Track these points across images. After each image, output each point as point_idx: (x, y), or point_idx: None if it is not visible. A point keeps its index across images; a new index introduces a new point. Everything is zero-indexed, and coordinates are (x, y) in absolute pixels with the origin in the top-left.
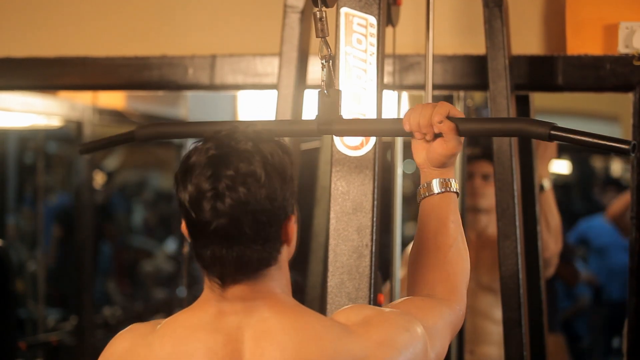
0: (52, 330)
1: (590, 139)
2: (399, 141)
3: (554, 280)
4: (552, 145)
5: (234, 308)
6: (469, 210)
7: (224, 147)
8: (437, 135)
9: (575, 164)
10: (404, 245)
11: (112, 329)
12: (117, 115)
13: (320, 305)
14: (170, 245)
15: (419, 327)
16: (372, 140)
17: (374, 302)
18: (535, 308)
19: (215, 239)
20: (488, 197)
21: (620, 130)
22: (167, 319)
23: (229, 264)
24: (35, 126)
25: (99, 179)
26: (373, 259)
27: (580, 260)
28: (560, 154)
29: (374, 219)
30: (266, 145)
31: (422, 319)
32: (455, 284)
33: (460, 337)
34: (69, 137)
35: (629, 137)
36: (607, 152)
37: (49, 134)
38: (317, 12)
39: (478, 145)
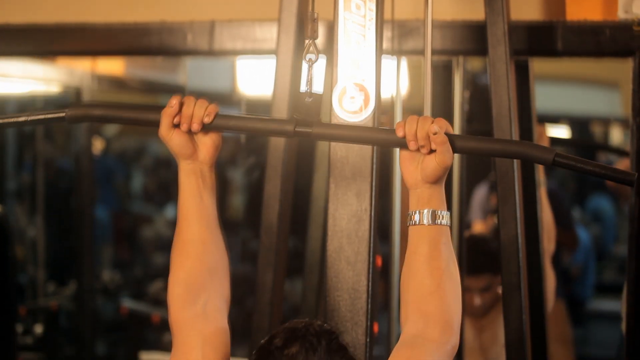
0: (51, 296)
1: (594, 168)
2: (398, 106)
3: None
4: (545, 136)
5: None
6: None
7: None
8: (431, 151)
9: (574, 129)
10: (403, 210)
11: (111, 294)
12: (116, 82)
13: (320, 270)
14: (170, 211)
15: None
16: (371, 105)
17: (373, 265)
18: (534, 272)
19: None
20: (487, 305)
21: (620, 97)
22: None
23: None
24: (34, 93)
25: (98, 145)
26: (372, 223)
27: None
28: (559, 119)
29: (373, 184)
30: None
31: None
32: (449, 319)
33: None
34: (68, 103)
35: (629, 103)
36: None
37: (48, 101)
38: (312, 13)
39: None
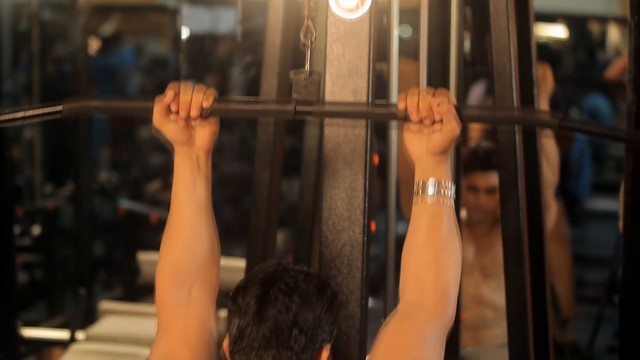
0: (49, 197)
1: (601, 130)
2: (395, 5)
3: None
4: (549, 77)
5: None
6: (468, 222)
7: (282, 267)
8: (434, 122)
9: (571, 27)
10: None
11: (109, 195)
12: None
13: (317, 168)
14: None
15: None
16: (368, 2)
17: (370, 163)
18: (531, 171)
19: (254, 343)
20: (493, 210)
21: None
22: None
23: None
24: None
25: (94, 45)
26: (369, 122)
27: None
28: (556, 19)
29: (370, 81)
30: (321, 280)
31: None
32: (445, 289)
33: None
34: (63, 4)
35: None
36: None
37: (44, 1)
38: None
39: (477, 154)
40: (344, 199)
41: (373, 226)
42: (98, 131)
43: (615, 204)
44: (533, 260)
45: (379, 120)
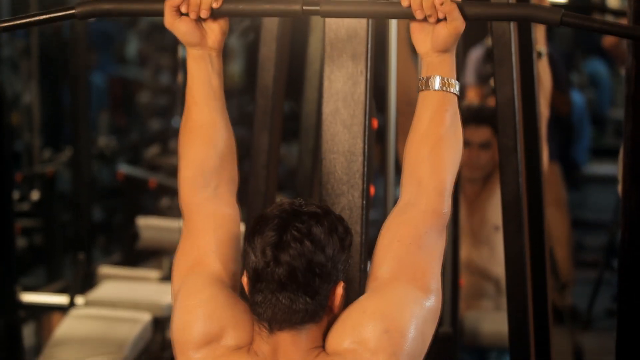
0: (47, 162)
1: (601, 26)
2: None
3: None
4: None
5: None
6: (462, 180)
7: (295, 206)
8: (438, 20)
9: None
10: (399, 74)
11: (107, 160)
12: None
13: (315, 133)
14: (165, 77)
15: (401, 291)
16: None
17: (369, 128)
18: (530, 135)
19: (271, 285)
20: (485, 167)
21: None
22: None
23: (278, 309)
24: None
25: None
26: (368, 86)
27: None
28: None
29: (369, 46)
30: (334, 215)
31: (411, 275)
32: (440, 186)
33: (455, 296)
34: None
35: None
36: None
37: None
38: None
39: (471, 109)
40: (342, 163)
41: (372, 190)
42: (97, 96)
43: (614, 169)
44: (532, 225)
45: (387, 18)
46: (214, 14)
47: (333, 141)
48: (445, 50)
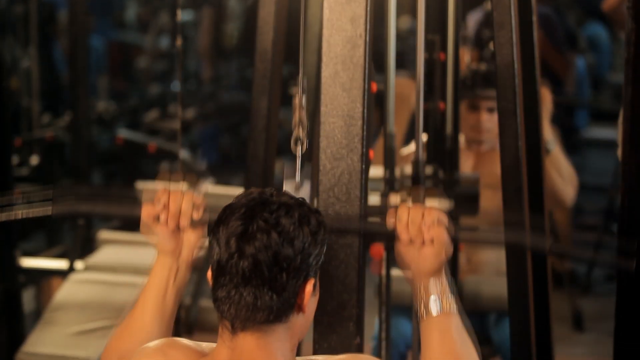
0: (46, 127)
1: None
2: None
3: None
4: (548, 98)
5: None
6: (468, 142)
7: (265, 195)
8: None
9: None
10: (399, 39)
11: (106, 124)
12: None
13: (315, 96)
14: (164, 41)
15: None
16: None
17: (368, 92)
18: (529, 98)
19: (234, 279)
20: (492, 130)
21: None
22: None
23: (242, 307)
24: None
25: None
26: (367, 49)
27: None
28: None
29: (368, 9)
30: (307, 207)
31: None
32: None
33: (454, 258)
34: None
35: None
36: None
37: None
38: None
39: (478, 73)
40: (342, 126)
41: (371, 154)
42: (96, 60)
43: (613, 133)
44: (531, 189)
45: (371, 232)
46: (194, 224)
47: (332, 105)
48: (433, 272)
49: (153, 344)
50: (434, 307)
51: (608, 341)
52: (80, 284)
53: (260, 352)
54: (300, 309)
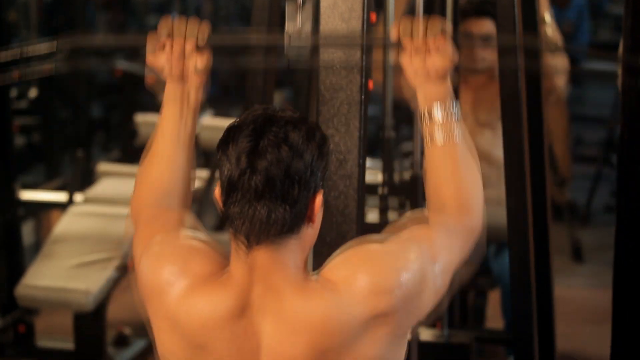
0: (45, 58)
1: None
2: None
3: None
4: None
5: (253, 278)
6: (464, 74)
7: (270, 112)
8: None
9: None
10: None
11: (105, 56)
12: None
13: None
14: None
15: (412, 251)
16: None
17: (367, 21)
18: (529, 28)
19: (247, 195)
20: (487, 59)
21: None
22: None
23: (256, 221)
24: None
25: None
26: None
27: None
28: None
29: None
30: (310, 122)
31: (419, 237)
32: (465, 199)
33: None
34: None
35: None
36: None
37: None
38: None
39: (472, 2)
40: (341, 57)
41: (370, 85)
42: None
43: (613, 64)
44: (531, 120)
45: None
46: (199, 46)
47: (331, 35)
48: (437, 79)
49: (175, 242)
50: (437, 114)
51: (607, 272)
52: (80, 217)
53: (276, 265)
54: (310, 220)
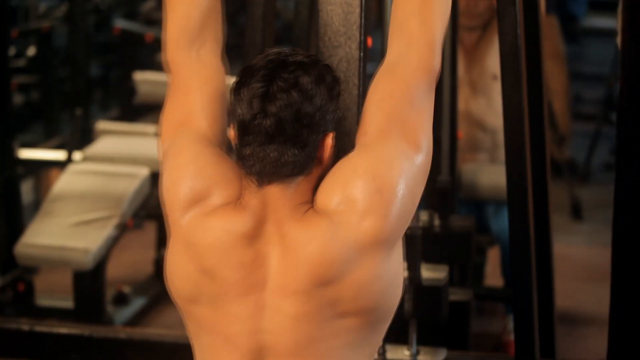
0: (43, 17)
1: None
2: None
3: None
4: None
5: (265, 211)
6: (460, 29)
7: (282, 56)
8: None
9: None
10: None
11: (103, 15)
12: None
13: None
14: None
15: (392, 148)
16: None
17: None
18: None
19: (259, 137)
20: (483, 14)
21: None
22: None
23: (267, 163)
24: None
25: None
26: None
27: None
28: None
29: None
30: (321, 64)
31: (402, 131)
32: (431, 40)
33: (453, 145)
34: None
35: None
36: None
37: None
38: None
39: None
40: (340, 14)
41: (369, 42)
42: None
43: (613, 21)
44: (530, 77)
45: None
46: None
47: None
48: None
49: (199, 156)
50: None
51: (606, 230)
52: (79, 175)
53: (285, 201)
54: (320, 161)
